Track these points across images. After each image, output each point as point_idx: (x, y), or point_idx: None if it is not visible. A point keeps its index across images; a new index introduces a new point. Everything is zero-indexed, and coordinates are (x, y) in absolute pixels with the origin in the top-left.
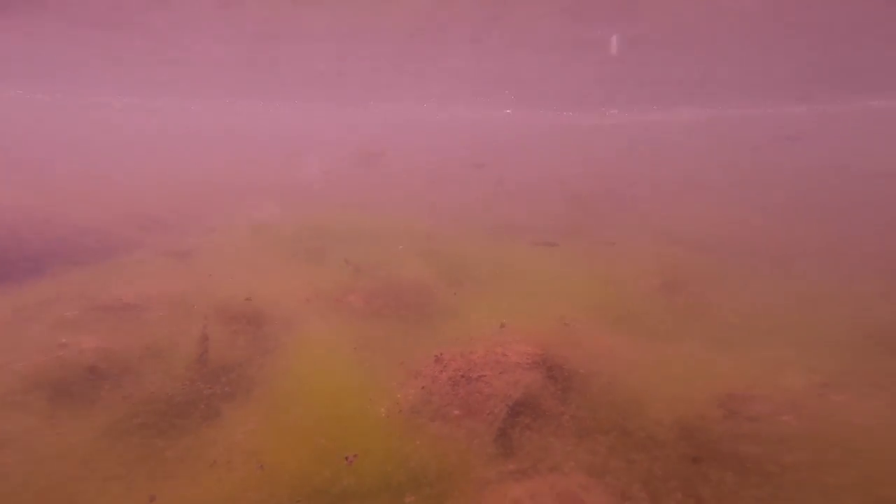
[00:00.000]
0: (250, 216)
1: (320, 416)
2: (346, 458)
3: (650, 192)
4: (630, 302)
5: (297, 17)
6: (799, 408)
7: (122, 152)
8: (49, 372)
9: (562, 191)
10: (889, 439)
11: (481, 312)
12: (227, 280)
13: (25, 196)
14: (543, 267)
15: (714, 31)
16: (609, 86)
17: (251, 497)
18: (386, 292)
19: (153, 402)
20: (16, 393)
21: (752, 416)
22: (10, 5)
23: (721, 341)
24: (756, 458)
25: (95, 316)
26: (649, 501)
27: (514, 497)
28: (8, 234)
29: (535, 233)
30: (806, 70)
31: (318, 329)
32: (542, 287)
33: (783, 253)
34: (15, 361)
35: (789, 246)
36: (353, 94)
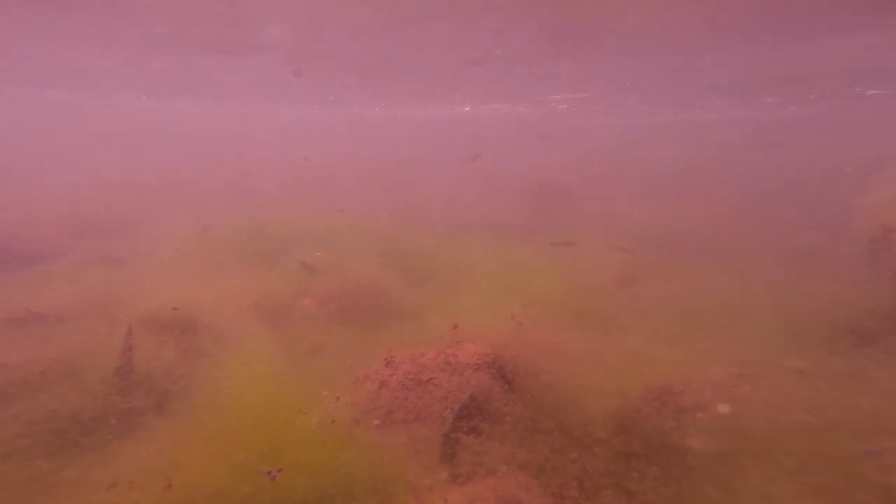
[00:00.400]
0: (199, 219)
1: (244, 429)
2: (269, 473)
3: (609, 191)
4: (584, 298)
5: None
6: (714, 400)
7: (67, 152)
8: None
9: (524, 189)
10: (780, 427)
11: (436, 313)
12: (163, 287)
13: None
14: (501, 265)
15: (689, 31)
16: (562, 80)
17: None
18: (342, 295)
19: (52, 420)
20: None
21: (679, 409)
22: None
23: (662, 335)
24: (680, 452)
25: None
26: (583, 499)
27: (455, 503)
28: None
29: (497, 231)
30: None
31: (259, 336)
32: (499, 285)
33: (728, 250)
34: None
35: (734, 244)
36: (307, 95)
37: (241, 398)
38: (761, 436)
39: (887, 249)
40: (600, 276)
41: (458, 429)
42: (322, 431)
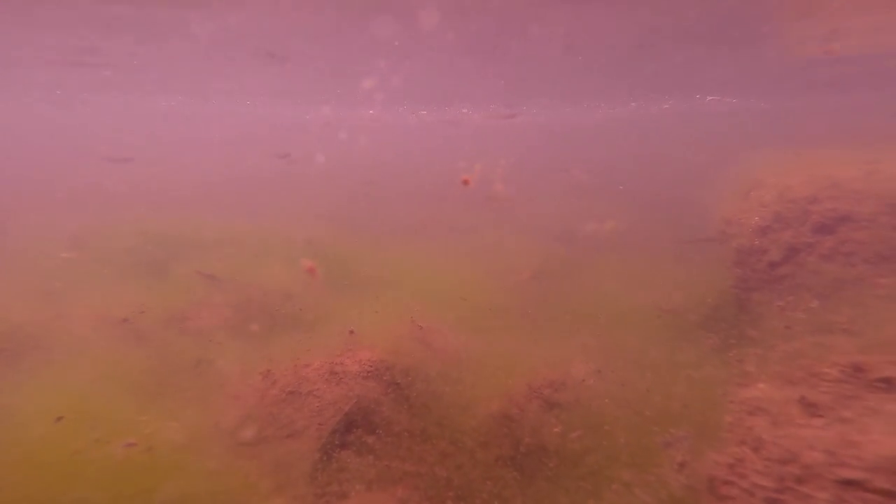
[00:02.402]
0: (76, 225)
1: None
2: None
3: (530, 192)
4: (496, 298)
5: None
6: (573, 396)
7: None
8: None
9: (441, 190)
10: (626, 418)
11: (341, 320)
12: None
13: None
14: (420, 268)
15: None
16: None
17: None
18: (248, 305)
19: None
20: None
21: (549, 406)
22: None
23: (556, 332)
24: (546, 452)
25: None
26: None
27: None
28: None
29: (419, 233)
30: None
31: (110, 356)
32: (412, 288)
33: (628, 246)
34: None
35: (640, 238)
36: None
37: (25, 433)
38: (607, 430)
39: (728, 241)
40: (517, 275)
41: (335, 443)
42: (131, 463)
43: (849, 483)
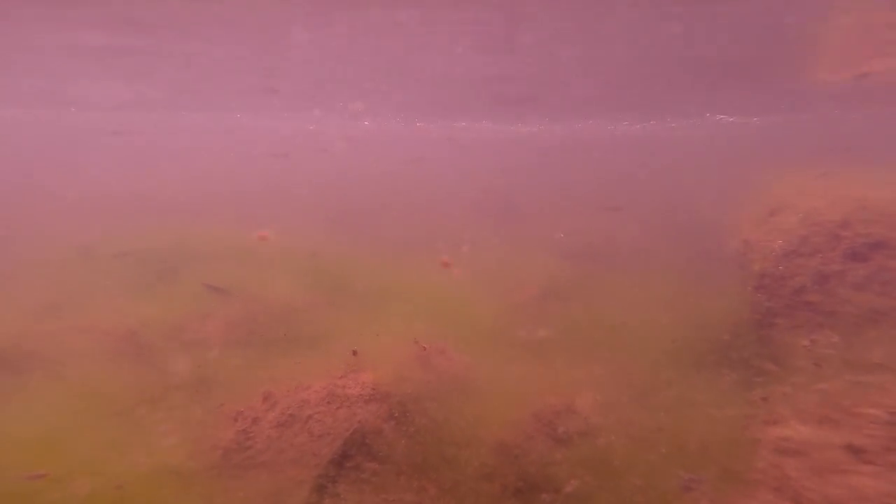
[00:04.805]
0: (82, 236)
1: None
2: None
3: (540, 205)
4: (503, 318)
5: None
6: (581, 429)
7: None
8: None
9: (452, 203)
10: (639, 456)
11: (344, 339)
12: None
13: None
14: (428, 285)
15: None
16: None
17: None
18: (253, 319)
19: None
20: None
21: (559, 438)
22: None
23: (564, 358)
24: (550, 488)
25: None
26: None
27: None
28: None
29: (427, 248)
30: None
31: (109, 372)
32: (415, 304)
33: (646, 267)
34: None
35: (654, 259)
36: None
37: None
38: (611, 470)
39: (749, 265)
40: (526, 292)
41: (333, 472)
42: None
43: None
